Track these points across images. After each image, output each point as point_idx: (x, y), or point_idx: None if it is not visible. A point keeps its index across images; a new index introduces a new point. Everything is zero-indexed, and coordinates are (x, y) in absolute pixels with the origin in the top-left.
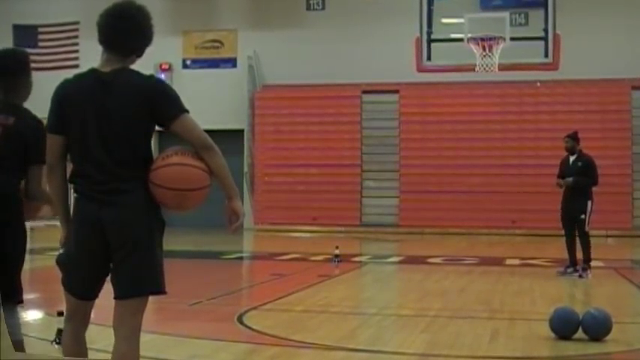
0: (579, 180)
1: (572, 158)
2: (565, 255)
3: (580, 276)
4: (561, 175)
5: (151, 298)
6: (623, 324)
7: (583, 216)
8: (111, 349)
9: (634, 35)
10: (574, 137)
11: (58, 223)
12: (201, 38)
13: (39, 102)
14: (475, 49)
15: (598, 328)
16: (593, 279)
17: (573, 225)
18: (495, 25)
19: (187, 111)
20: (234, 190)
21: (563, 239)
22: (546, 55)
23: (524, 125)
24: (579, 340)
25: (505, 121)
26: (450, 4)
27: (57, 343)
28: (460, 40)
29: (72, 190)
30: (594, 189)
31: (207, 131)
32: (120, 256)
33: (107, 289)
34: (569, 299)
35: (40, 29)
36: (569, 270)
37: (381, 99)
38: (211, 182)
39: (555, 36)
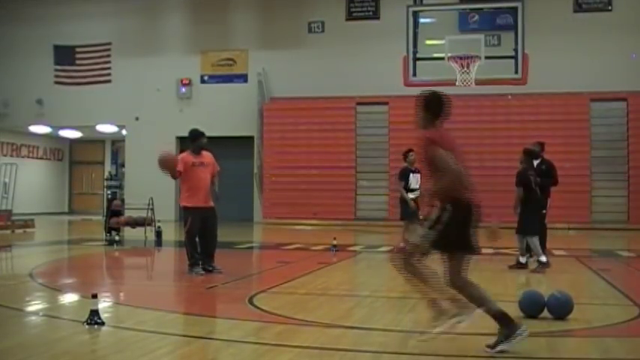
0: (545, 180)
1: (536, 162)
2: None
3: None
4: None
5: (172, 283)
6: (582, 305)
7: (544, 211)
8: (139, 328)
9: (592, 54)
10: (542, 144)
11: (92, 217)
12: (217, 57)
13: (76, 113)
14: (455, 67)
15: (561, 309)
16: (557, 265)
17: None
18: (472, 46)
19: None
20: None
21: None
22: (516, 72)
23: (498, 132)
24: (545, 319)
25: (481, 128)
26: (432, 27)
27: (89, 324)
28: (442, 58)
29: None
30: (553, 188)
31: (222, 138)
32: None
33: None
34: (535, 283)
35: (77, 49)
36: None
37: (373, 110)
38: None
39: (524, 55)
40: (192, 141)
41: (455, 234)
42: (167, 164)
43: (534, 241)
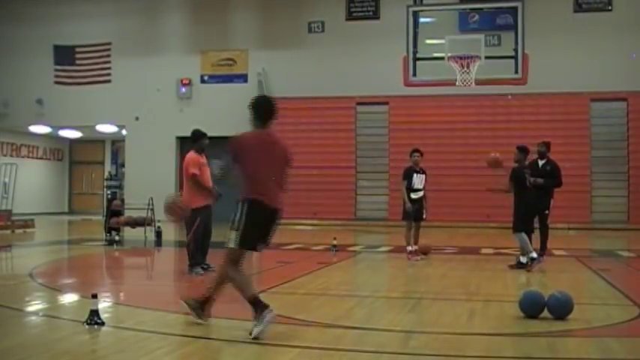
0: (548, 181)
1: (541, 162)
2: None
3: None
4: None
5: (172, 283)
6: (582, 305)
7: (547, 211)
8: (138, 328)
9: (592, 54)
10: (548, 144)
11: (92, 217)
12: (217, 57)
13: (76, 113)
14: (455, 66)
15: (561, 309)
16: (557, 265)
17: (534, 219)
18: (472, 46)
19: None
20: None
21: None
22: (516, 72)
23: (498, 132)
24: (545, 319)
25: (481, 128)
26: (432, 27)
27: (88, 324)
28: (442, 58)
29: None
30: (556, 189)
31: (222, 138)
32: None
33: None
34: (536, 283)
35: (77, 49)
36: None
37: (373, 110)
38: None
39: (524, 55)
40: (194, 141)
41: (251, 231)
42: (174, 211)
43: (522, 237)
